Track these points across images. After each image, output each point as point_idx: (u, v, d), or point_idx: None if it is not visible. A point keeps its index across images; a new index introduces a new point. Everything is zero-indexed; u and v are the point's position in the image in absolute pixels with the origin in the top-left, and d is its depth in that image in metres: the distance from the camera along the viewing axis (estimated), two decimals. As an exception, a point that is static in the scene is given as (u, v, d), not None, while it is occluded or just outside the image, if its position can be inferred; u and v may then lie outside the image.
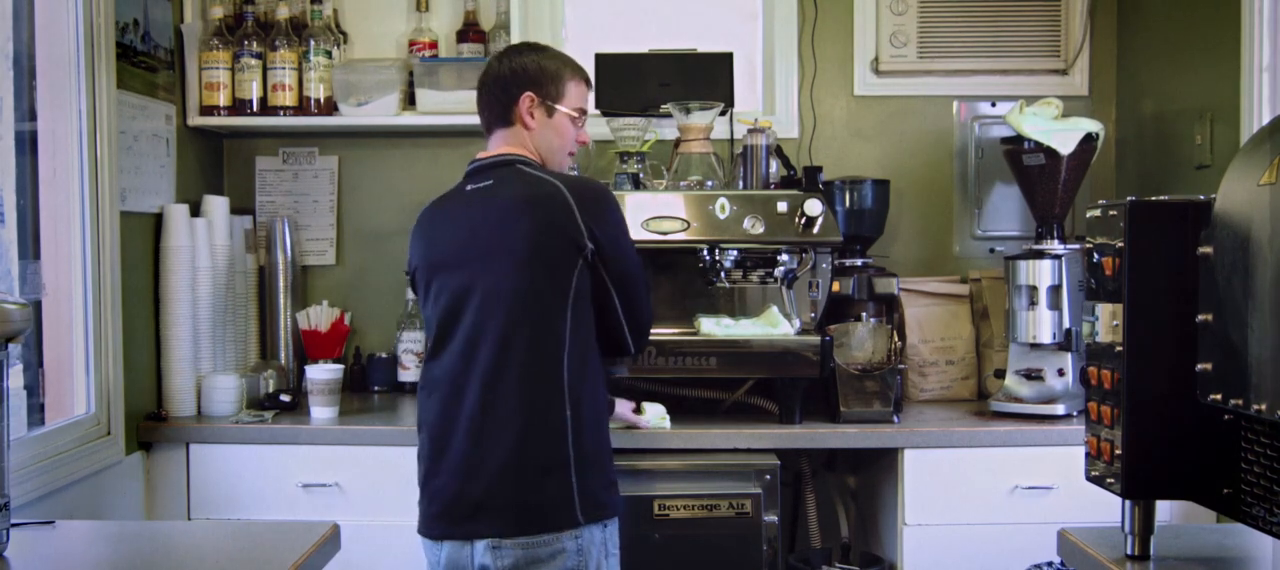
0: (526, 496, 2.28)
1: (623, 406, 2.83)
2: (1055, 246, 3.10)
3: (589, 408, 2.35)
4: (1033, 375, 3.06)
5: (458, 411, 2.32)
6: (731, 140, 3.31)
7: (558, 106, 2.47)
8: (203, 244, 3.10)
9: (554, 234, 2.32)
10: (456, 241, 2.38)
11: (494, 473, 2.28)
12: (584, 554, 2.30)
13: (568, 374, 2.32)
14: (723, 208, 2.95)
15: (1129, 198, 1.67)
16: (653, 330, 2.95)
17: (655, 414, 2.88)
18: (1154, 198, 1.67)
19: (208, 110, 3.28)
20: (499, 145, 2.47)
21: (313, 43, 3.30)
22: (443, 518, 2.33)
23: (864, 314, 3.15)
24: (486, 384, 2.30)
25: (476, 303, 2.32)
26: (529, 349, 2.30)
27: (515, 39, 3.30)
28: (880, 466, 3.10)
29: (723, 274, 2.97)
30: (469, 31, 3.44)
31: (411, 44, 3.42)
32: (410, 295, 3.31)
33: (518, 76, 2.46)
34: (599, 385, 2.41)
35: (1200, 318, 1.58)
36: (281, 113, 3.30)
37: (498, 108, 2.47)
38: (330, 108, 3.32)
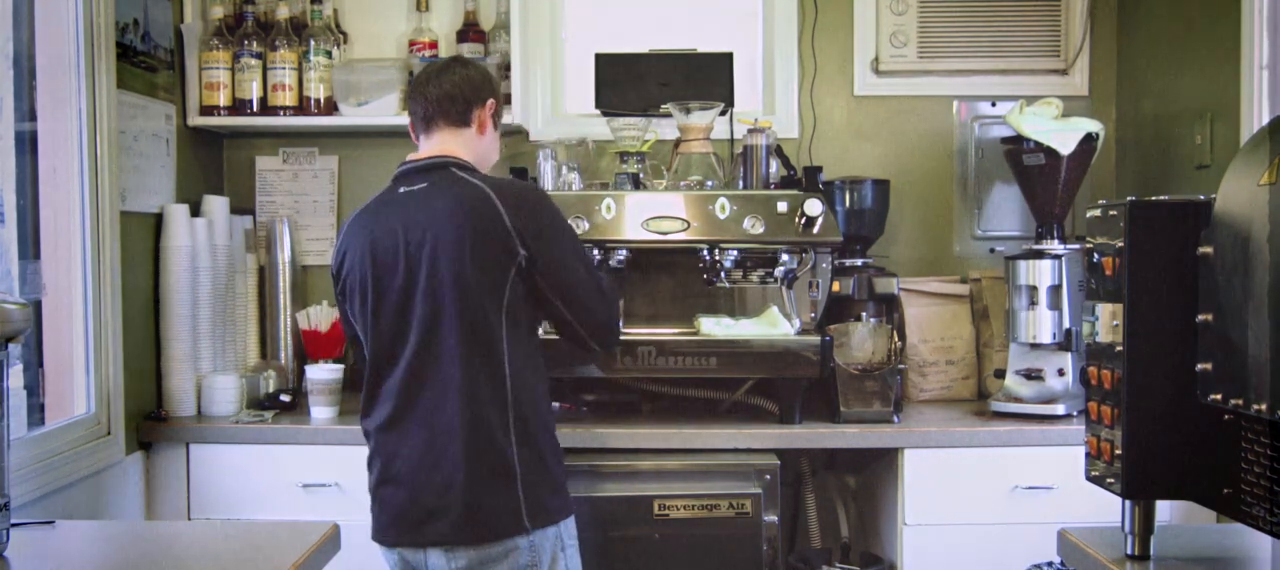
0: (475, 505, 2.29)
1: None
2: (1055, 246, 3.10)
3: (534, 416, 2.36)
4: (1033, 375, 3.06)
5: (405, 421, 2.33)
6: (731, 140, 3.30)
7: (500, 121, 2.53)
8: (203, 244, 3.10)
9: (485, 241, 2.30)
10: (390, 247, 2.34)
11: (442, 483, 2.29)
12: (537, 550, 2.33)
13: (510, 383, 2.32)
14: (723, 208, 2.95)
15: (1129, 198, 1.67)
16: (653, 330, 2.96)
17: None
18: (1154, 198, 1.67)
19: (208, 110, 3.28)
20: (436, 147, 2.45)
21: (313, 43, 3.30)
22: (394, 525, 2.35)
23: (864, 314, 3.15)
24: (430, 394, 2.31)
25: (418, 312, 2.32)
26: (471, 358, 2.30)
27: (515, 39, 3.30)
28: (880, 466, 3.10)
29: (723, 274, 2.97)
30: (469, 31, 3.44)
31: (411, 44, 3.42)
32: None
33: (486, 81, 2.50)
34: (544, 393, 2.43)
35: (1200, 318, 1.58)
36: (281, 113, 3.30)
37: (458, 106, 2.44)
38: (330, 108, 3.32)
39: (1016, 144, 3.16)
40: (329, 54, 3.32)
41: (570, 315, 2.40)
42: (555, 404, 2.92)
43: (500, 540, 2.29)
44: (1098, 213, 1.75)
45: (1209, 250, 1.57)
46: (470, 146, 2.46)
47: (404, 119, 3.30)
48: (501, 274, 2.30)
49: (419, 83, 2.49)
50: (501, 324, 2.31)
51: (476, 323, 2.30)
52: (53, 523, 2.02)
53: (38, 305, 2.70)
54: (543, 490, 2.34)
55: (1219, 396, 1.53)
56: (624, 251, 2.97)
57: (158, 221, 3.07)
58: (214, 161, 3.52)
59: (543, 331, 2.56)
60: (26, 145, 2.69)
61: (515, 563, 2.30)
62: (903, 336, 3.26)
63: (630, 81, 3.32)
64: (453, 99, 2.44)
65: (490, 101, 2.49)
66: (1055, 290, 3.03)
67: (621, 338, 2.89)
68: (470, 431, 2.29)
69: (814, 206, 2.91)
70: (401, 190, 2.40)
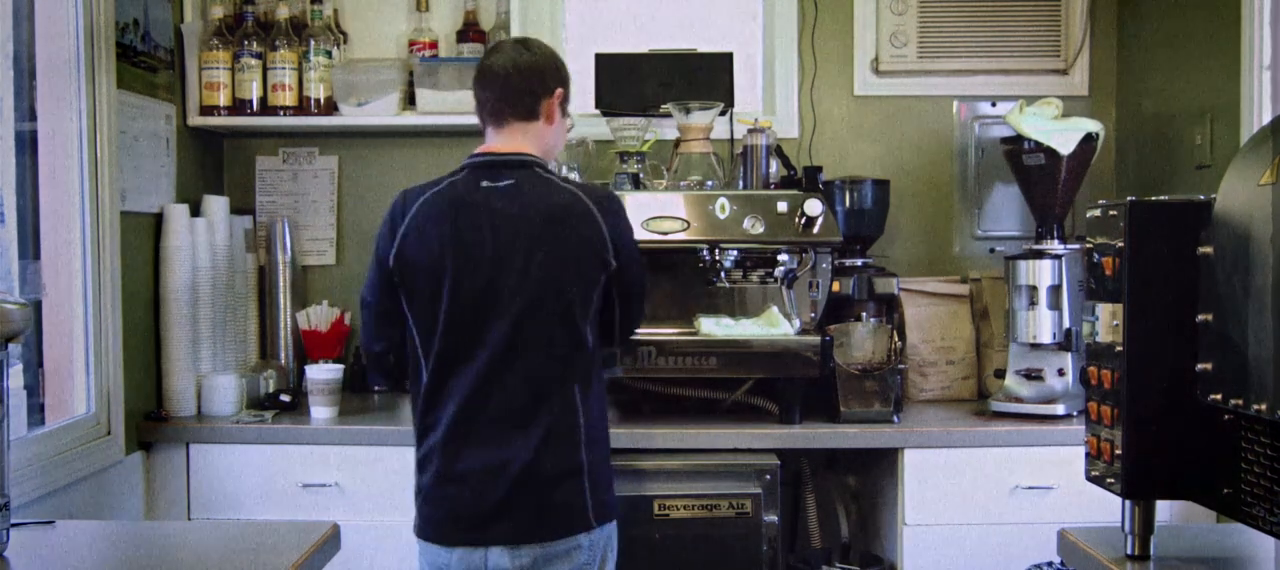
0: (544, 502, 2.29)
1: None
2: (1055, 246, 3.10)
3: (598, 415, 2.38)
4: (1033, 375, 3.06)
5: (476, 419, 2.29)
6: (731, 140, 3.30)
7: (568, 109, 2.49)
8: (203, 244, 3.10)
9: (583, 246, 2.31)
10: (479, 242, 2.30)
11: (514, 478, 2.27)
12: (595, 548, 2.34)
13: (588, 385, 2.34)
14: (723, 208, 2.95)
15: (1129, 198, 1.67)
16: (653, 330, 2.96)
17: None
18: (1154, 198, 1.67)
19: (208, 110, 3.28)
20: (511, 141, 2.39)
21: (313, 43, 3.30)
22: (457, 522, 2.30)
23: (864, 314, 3.15)
24: (509, 389, 2.29)
25: (501, 311, 2.29)
26: (552, 358, 2.30)
27: (515, 39, 3.30)
28: (880, 466, 3.10)
29: (723, 274, 2.97)
30: (469, 31, 3.44)
31: (411, 44, 3.42)
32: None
33: (552, 68, 2.42)
34: (604, 392, 2.44)
35: (1200, 318, 1.58)
36: (281, 113, 3.30)
37: (526, 99, 2.38)
38: (330, 108, 3.32)
39: (1016, 144, 3.16)
40: (329, 54, 3.32)
41: (622, 318, 2.43)
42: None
43: (566, 537, 2.29)
44: (1098, 213, 1.75)
45: (1209, 250, 1.57)
46: (539, 139, 2.40)
47: (404, 119, 3.33)
48: (594, 281, 2.33)
49: (486, 69, 2.40)
50: (587, 329, 2.33)
51: (564, 326, 2.30)
52: (53, 523, 2.02)
53: (38, 305, 2.70)
54: (603, 488, 2.36)
55: (1219, 396, 1.53)
56: (624, 251, 2.97)
57: (158, 221, 3.06)
58: (214, 161, 3.52)
59: None
60: (26, 145, 2.69)
61: (576, 560, 2.31)
62: (903, 336, 3.26)
63: (630, 81, 3.32)
64: (519, 93, 2.38)
65: (558, 90, 2.41)
66: (1055, 290, 3.03)
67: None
68: (547, 432, 2.29)
69: (814, 206, 2.91)
70: (484, 184, 2.34)
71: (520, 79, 2.37)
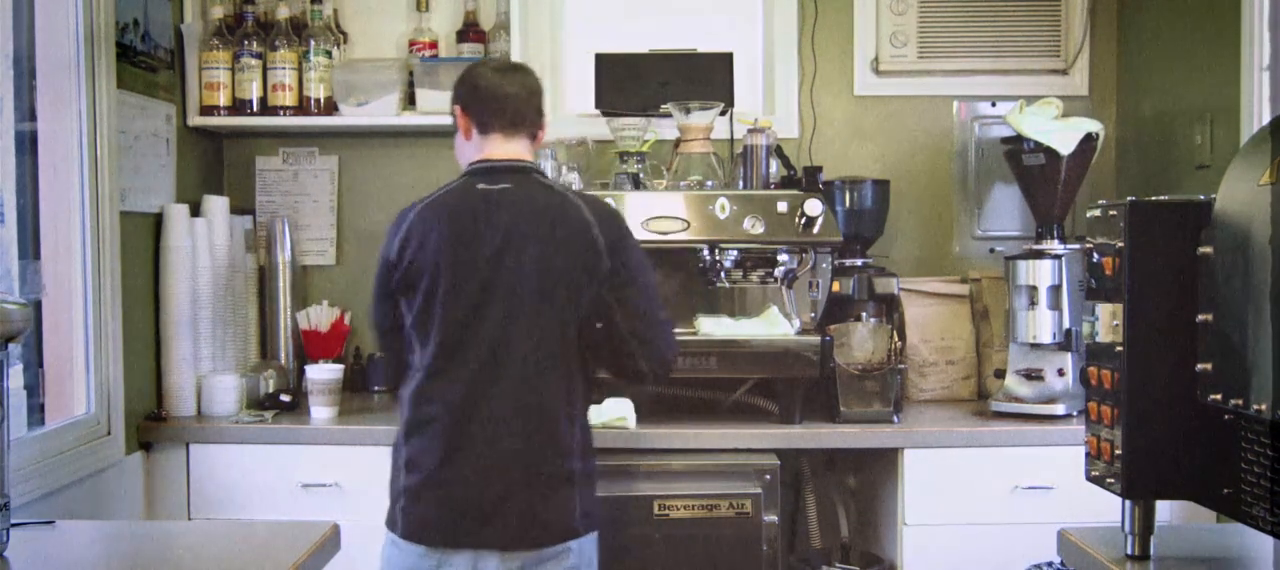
0: (536, 508, 2.30)
1: None
2: (1055, 246, 3.10)
3: (586, 424, 2.40)
4: (1033, 375, 3.06)
5: (466, 423, 2.29)
6: (731, 140, 3.30)
7: None
8: (203, 244, 3.10)
9: (573, 250, 2.32)
10: (473, 243, 2.32)
11: (505, 484, 2.28)
12: (582, 554, 2.35)
13: (577, 390, 2.35)
14: (723, 208, 2.95)
15: (1129, 198, 1.67)
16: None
17: (613, 411, 2.87)
18: (1154, 198, 1.67)
19: (208, 110, 3.28)
20: (515, 151, 2.42)
21: (313, 43, 3.30)
22: (448, 525, 2.30)
23: (864, 314, 3.15)
24: (501, 394, 2.29)
25: (495, 310, 2.30)
26: (543, 363, 2.31)
27: (515, 39, 3.30)
28: (880, 466, 3.10)
29: (723, 274, 2.97)
30: (469, 31, 3.44)
31: (411, 44, 3.42)
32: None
33: (541, 92, 2.49)
34: (590, 401, 2.47)
35: (1200, 318, 1.58)
36: (281, 113, 3.30)
37: (532, 115, 2.44)
38: (330, 108, 3.32)
39: (1016, 144, 3.16)
40: (329, 54, 3.32)
41: (633, 339, 2.37)
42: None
43: (557, 543, 2.30)
44: (1098, 213, 1.75)
45: (1209, 250, 1.57)
46: (535, 157, 2.48)
47: (404, 119, 3.33)
48: (583, 284, 2.32)
49: (497, 81, 2.44)
50: (575, 333, 2.33)
51: (553, 329, 2.31)
52: (53, 523, 2.02)
53: (38, 305, 2.69)
54: (590, 496, 2.38)
55: (1219, 396, 1.53)
56: (624, 251, 2.97)
57: (158, 221, 3.06)
58: (214, 161, 3.52)
59: None
60: (26, 145, 2.69)
61: (563, 565, 2.32)
62: (903, 336, 3.26)
63: (630, 81, 3.32)
64: (537, 112, 2.45)
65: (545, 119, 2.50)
66: (1055, 290, 3.03)
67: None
68: (537, 437, 2.30)
69: (814, 206, 2.91)
70: (480, 186, 2.37)
71: (535, 96, 2.45)
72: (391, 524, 2.36)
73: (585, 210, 2.36)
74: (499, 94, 2.42)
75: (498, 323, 2.29)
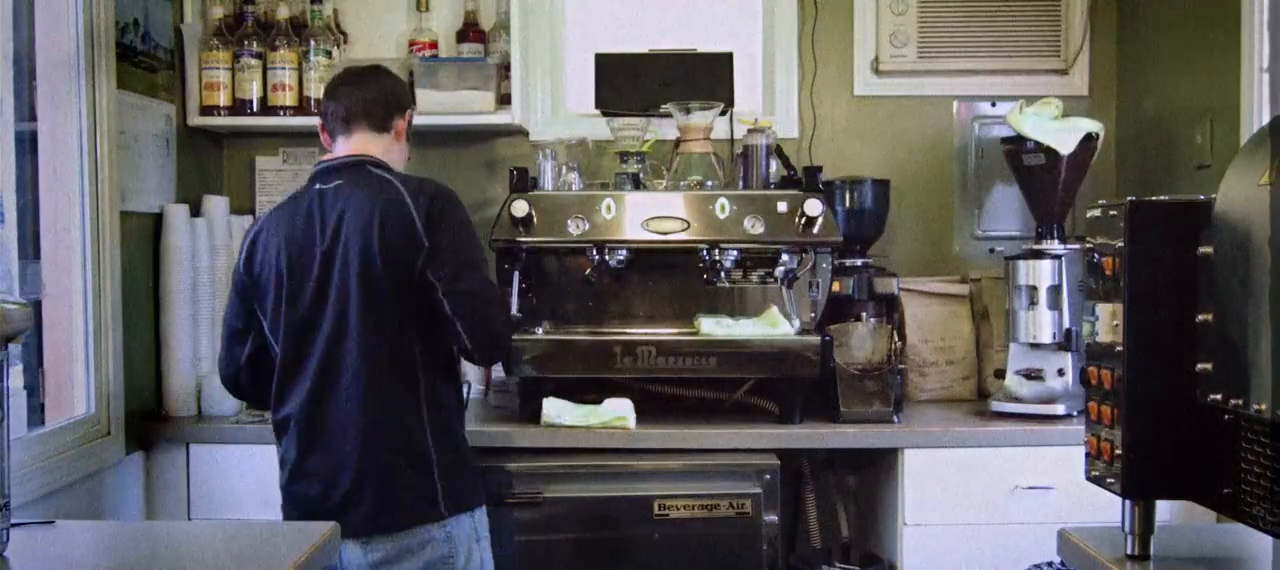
0: (390, 493, 2.33)
1: None
2: (1055, 246, 3.10)
3: (449, 406, 2.43)
4: (1033, 375, 3.06)
5: (316, 416, 2.36)
6: (731, 140, 3.30)
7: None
8: (203, 244, 3.10)
9: (393, 235, 2.34)
10: (307, 242, 2.39)
11: (356, 475, 2.33)
12: (453, 541, 2.37)
13: (422, 374, 2.37)
14: (723, 208, 2.95)
15: (1129, 198, 1.67)
16: (653, 330, 2.96)
17: (613, 411, 2.87)
18: (1154, 198, 1.67)
19: (208, 110, 3.28)
20: (355, 147, 2.48)
21: (313, 43, 3.30)
22: (310, 518, 2.33)
23: (864, 314, 3.15)
24: (341, 388, 2.34)
25: (329, 311, 2.35)
26: (381, 351, 2.34)
27: (515, 39, 3.30)
28: (880, 466, 3.10)
29: (723, 274, 2.97)
30: (469, 31, 3.44)
31: (411, 44, 3.42)
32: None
33: (405, 92, 2.60)
34: (458, 385, 2.50)
35: (1200, 318, 1.58)
36: (281, 113, 3.30)
37: (381, 111, 2.49)
38: (330, 108, 3.32)
39: (1016, 144, 3.16)
40: (329, 54, 3.32)
41: (450, 312, 2.34)
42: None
43: (415, 528, 2.33)
44: (1098, 213, 1.75)
45: (1209, 250, 1.57)
46: (387, 151, 2.51)
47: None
48: (408, 267, 2.34)
49: (339, 85, 2.54)
50: (411, 317, 2.36)
51: (385, 315, 2.34)
52: (53, 523, 2.01)
53: (38, 305, 2.69)
54: (458, 479, 2.40)
55: (1219, 396, 1.53)
56: (624, 251, 2.97)
57: (158, 221, 3.06)
58: (214, 161, 3.52)
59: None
60: (26, 145, 2.69)
61: (432, 553, 2.35)
62: (903, 336, 3.26)
63: (630, 81, 3.32)
64: (377, 103, 2.50)
65: (408, 112, 2.57)
66: (1055, 290, 3.03)
67: (620, 338, 2.90)
68: (382, 423, 2.34)
69: (814, 206, 2.91)
70: (316, 187, 2.45)
71: (379, 93, 2.52)
72: None
73: (404, 192, 2.38)
74: (333, 99, 2.51)
75: (332, 323, 2.35)
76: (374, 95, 2.51)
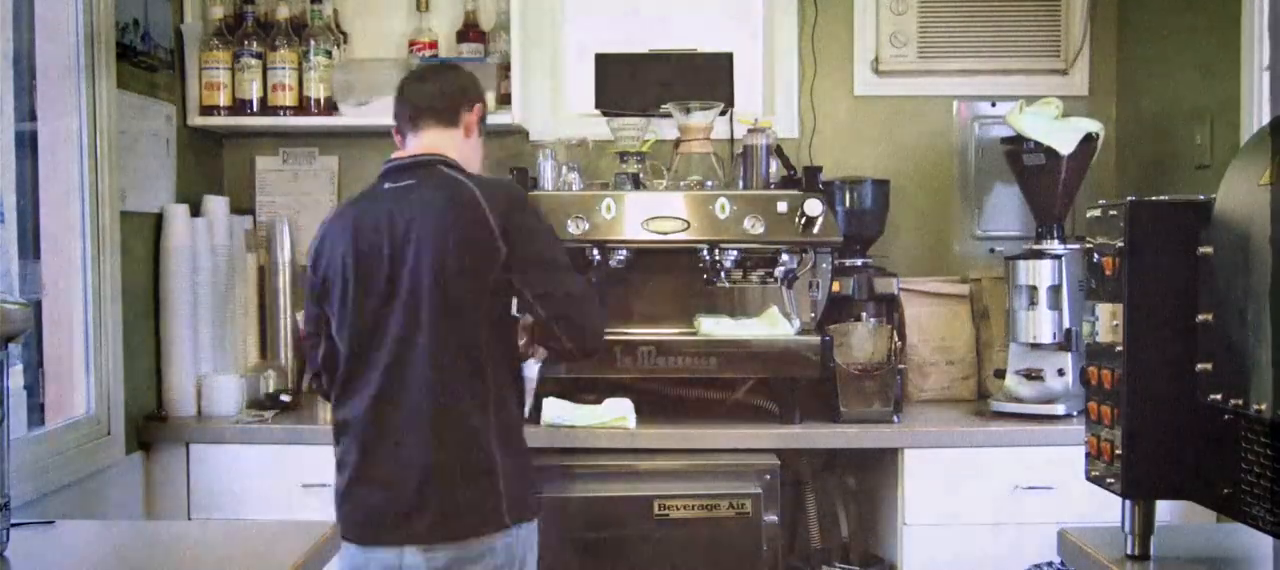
0: (456, 501, 2.30)
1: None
2: (1055, 246, 3.10)
3: (514, 413, 2.40)
4: (1033, 375, 3.06)
5: (382, 420, 2.32)
6: (731, 140, 3.30)
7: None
8: (203, 244, 3.10)
9: (469, 238, 2.31)
10: (376, 244, 2.34)
11: (421, 481, 2.29)
12: (511, 550, 2.33)
13: (491, 380, 2.33)
14: (723, 208, 2.95)
15: (1129, 198, 1.67)
16: (653, 330, 2.96)
17: (613, 411, 2.86)
18: (1154, 198, 1.67)
19: (208, 110, 3.28)
20: (424, 145, 2.44)
21: (313, 43, 3.30)
22: (372, 523, 2.32)
23: (864, 314, 3.15)
24: (409, 393, 2.31)
25: (398, 313, 2.31)
26: (450, 356, 2.31)
27: (515, 39, 3.30)
28: (880, 466, 3.10)
29: (723, 274, 2.97)
30: (469, 31, 3.44)
31: (411, 44, 3.42)
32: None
33: (475, 86, 2.52)
34: (520, 392, 2.46)
35: (1200, 318, 1.58)
36: (281, 113, 3.30)
37: (448, 107, 2.45)
38: (330, 108, 3.32)
39: (1016, 144, 3.16)
40: (329, 54, 3.32)
41: (547, 318, 2.35)
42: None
43: (480, 537, 2.30)
44: (1098, 213, 1.75)
45: (1209, 250, 1.57)
46: (457, 148, 2.46)
47: (405, 119, 3.33)
48: (484, 272, 2.31)
49: (408, 83, 2.51)
50: (481, 322, 2.32)
51: (457, 320, 2.30)
52: (53, 523, 2.02)
53: (38, 305, 2.69)
54: (522, 487, 2.36)
55: (1219, 396, 1.53)
56: (624, 251, 2.97)
57: (158, 221, 3.06)
58: (214, 161, 3.52)
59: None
60: (26, 145, 2.69)
61: (490, 562, 2.31)
62: (903, 336, 3.26)
63: (630, 81, 3.32)
64: (444, 98, 2.46)
65: (478, 106, 2.50)
66: (1055, 290, 3.03)
67: (620, 338, 2.90)
68: (449, 429, 2.30)
69: (814, 206, 2.91)
70: (386, 186, 2.40)
71: (446, 88, 2.47)
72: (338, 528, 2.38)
73: (478, 194, 2.34)
74: (401, 97, 2.48)
75: (401, 326, 2.31)
76: (440, 90, 2.46)
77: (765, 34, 3.63)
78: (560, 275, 2.38)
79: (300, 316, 3.35)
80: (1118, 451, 1.68)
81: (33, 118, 2.71)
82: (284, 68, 3.29)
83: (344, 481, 2.37)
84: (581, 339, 2.40)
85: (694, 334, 2.95)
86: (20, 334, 1.75)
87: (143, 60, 3.01)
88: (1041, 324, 3.03)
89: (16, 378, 2.59)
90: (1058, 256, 3.04)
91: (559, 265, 2.40)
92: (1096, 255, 1.74)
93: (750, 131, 3.15)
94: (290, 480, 2.89)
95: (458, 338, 2.30)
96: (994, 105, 3.55)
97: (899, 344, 3.04)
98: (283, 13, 3.31)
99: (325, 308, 2.41)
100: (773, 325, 2.94)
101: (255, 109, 3.30)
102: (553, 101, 3.59)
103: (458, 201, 2.33)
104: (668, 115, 3.19)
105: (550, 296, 2.35)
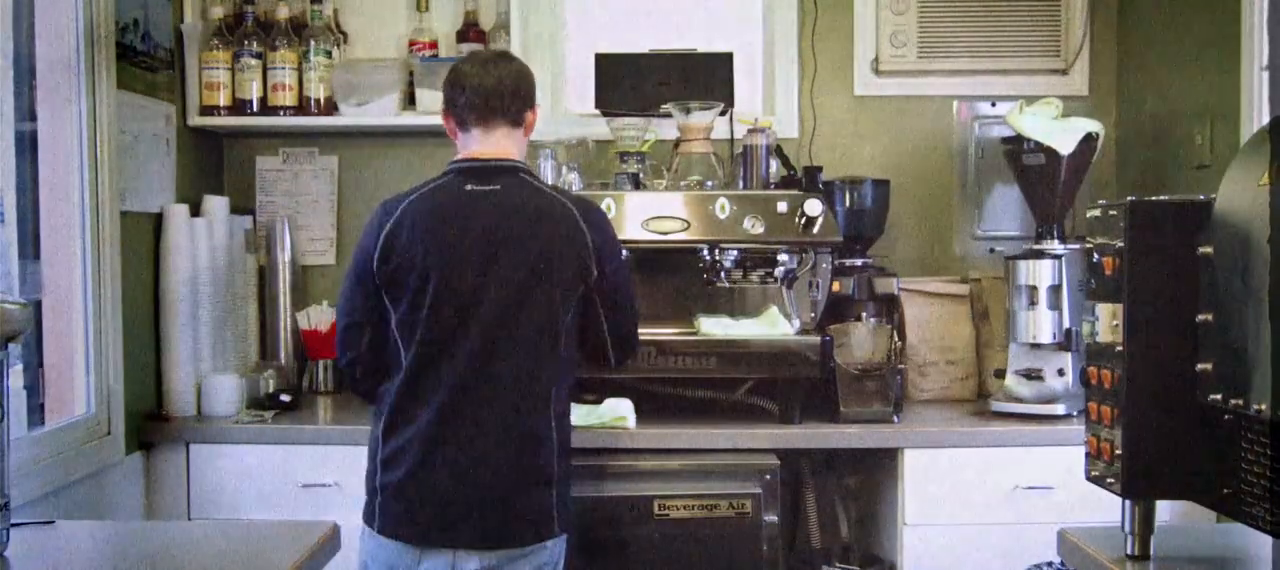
0: (516, 506, 2.30)
1: None
2: (1055, 246, 3.10)
3: (568, 424, 2.42)
4: (1033, 375, 3.06)
5: (453, 422, 2.29)
6: (731, 140, 3.30)
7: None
8: (203, 244, 3.10)
9: (567, 257, 2.32)
10: (462, 244, 2.30)
11: (484, 484, 2.29)
12: (554, 553, 2.37)
13: (557, 390, 2.35)
14: (723, 208, 2.95)
15: (1129, 198, 1.67)
16: (653, 330, 2.96)
17: (613, 411, 2.87)
18: (1154, 198, 1.67)
19: (208, 110, 3.28)
20: (498, 147, 2.39)
21: (313, 43, 3.30)
22: (428, 521, 2.30)
23: (864, 314, 3.15)
24: (486, 398, 2.29)
25: (483, 315, 2.29)
26: (529, 363, 2.31)
27: (515, 39, 3.30)
28: (880, 466, 3.10)
29: (723, 274, 2.97)
30: (469, 31, 3.44)
31: (411, 44, 3.42)
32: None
33: (534, 83, 2.46)
34: (571, 398, 2.49)
35: (1200, 318, 1.58)
36: (281, 113, 3.30)
37: (516, 105, 2.39)
38: (330, 108, 3.32)
39: (1016, 144, 3.16)
40: (329, 54, 3.32)
41: (608, 328, 2.42)
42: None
43: (535, 543, 2.32)
44: (1098, 213, 1.75)
45: (1209, 250, 1.57)
46: (519, 148, 2.43)
47: (405, 119, 3.33)
48: (574, 290, 2.34)
49: (470, 71, 2.39)
50: (561, 336, 2.34)
51: (541, 332, 2.31)
52: (53, 523, 2.02)
53: (38, 305, 2.69)
54: (566, 496, 2.39)
55: (1219, 396, 1.53)
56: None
57: (158, 221, 3.06)
58: (214, 161, 3.52)
59: None
60: (26, 145, 2.69)
61: (536, 563, 2.33)
62: (903, 336, 3.26)
63: (630, 81, 3.32)
64: (517, 99, 2.39)
65: (537, 105, 2.46)
66: (1055, 290, 3.03)
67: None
68: (519, 437, 2.31)
69: (814, 206, 2.91)
70: (469, 187, 2.35)
71: (516, 84, 2.39)
72: (369, 519, 2.36)
73: (577, 215, 2.35)
74: (473, 87, 2.37)
75: (484, 326, 2.29)
76: (514, 89, 2.37)
77: (765, 34, 3.63)
78: (632, 299, 2.48)
79: (304, 314, 3.37)
80: (1118, 451, 1.69)
81: (33, 118, 2.71)
82: (284, 68, 3.29)
83: (396, 478, 2.30)
84: (626, 354, 2.51)
85: (694, 334, 2.95)
86: (20, 334, 1.75)
87: (143, 60, 3.01)
88: (1041, 324, 3.03)
89: (16, 378, 2.59)
90: (1058, 256, 3.04)
91: (631, 288, 2.48)
92: (1096, 255, 1.74)
93: (750, 131, 3.15)
94: (290, 480, 2.89)
95: (541, 353, 2.31)
96: (994, 105, 3.55)
97: (899, 344, 3.04)
98: (283, 13, 3.31)
99: (387, 302, 2.34)
100: (773, 325, 2.94)
101: (255, 109, 3.30)
102: (553, 101, 3.59)
103: (551, 216, 2.33)
104: (668, 115, 3.19)
105: (621, 320, 2.44)
